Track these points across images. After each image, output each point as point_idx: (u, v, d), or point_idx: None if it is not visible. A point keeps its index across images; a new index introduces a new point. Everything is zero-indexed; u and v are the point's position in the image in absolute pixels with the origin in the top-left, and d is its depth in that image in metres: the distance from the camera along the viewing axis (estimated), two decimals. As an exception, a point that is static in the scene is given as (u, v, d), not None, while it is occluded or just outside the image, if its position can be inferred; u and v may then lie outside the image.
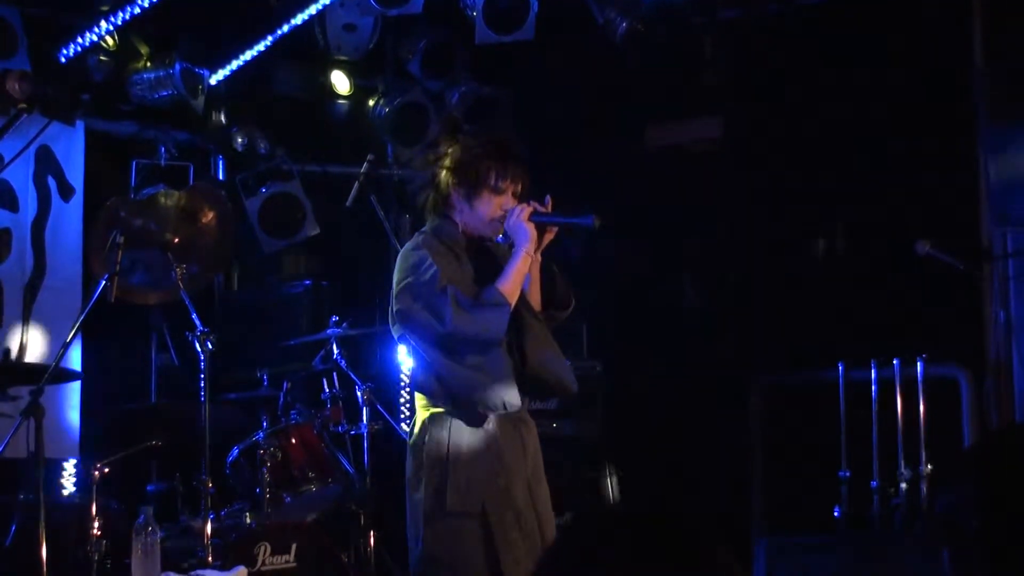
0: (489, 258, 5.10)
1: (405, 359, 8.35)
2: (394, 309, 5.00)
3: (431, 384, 4.97)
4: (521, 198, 5.02)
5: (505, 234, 5.03)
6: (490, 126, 5.26)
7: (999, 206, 7.70)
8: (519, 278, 4.93)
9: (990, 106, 7.58)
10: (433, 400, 5.01)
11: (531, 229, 4.93)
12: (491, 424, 4.96)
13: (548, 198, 5.02)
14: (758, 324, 8.62)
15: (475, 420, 4.94)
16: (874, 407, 7.75)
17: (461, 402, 4.95)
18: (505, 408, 4.92)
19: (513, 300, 4.89)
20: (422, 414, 5.05)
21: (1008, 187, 7.65)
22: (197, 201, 6.83)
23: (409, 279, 4.93)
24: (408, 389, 8.35)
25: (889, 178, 8.30)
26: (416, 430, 5.05)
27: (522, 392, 5.04)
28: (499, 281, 4.89)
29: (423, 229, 5.14)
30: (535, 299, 5.12)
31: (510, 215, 4.95)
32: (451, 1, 8.26)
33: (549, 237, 5.04)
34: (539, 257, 5.04)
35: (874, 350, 7.82)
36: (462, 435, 4.93)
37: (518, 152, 5.03)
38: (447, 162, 5.02)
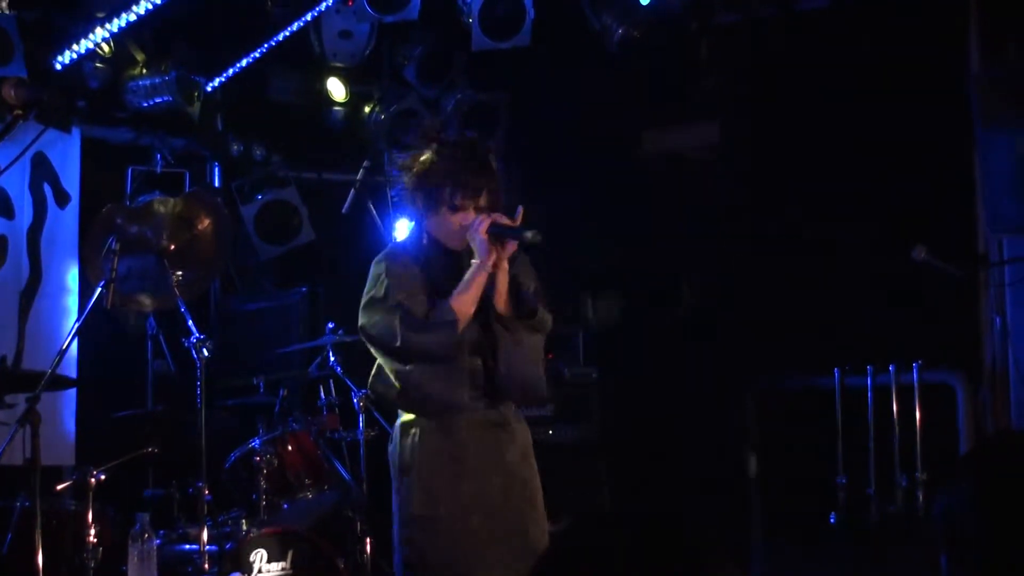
0: (455, 265, 5.09)
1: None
2: (359, 324, 5.09)
3: (391, 392, 5.07)
4: (496, 207, 5.02)
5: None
6: (461, 134, 5.22)
7: (995, 212, 7.70)
8: (473, 292, 4.96)
9: (986, 112, 7.58)
10: (397, 407, 5.13)
11: (487, 242, 4.93)
12: (460, 429, 5.01)
13: (520, 209, 5.02)
14: (755, 329, 8.61)
15: (442, 426, 5.01)
16: (870, 413, 7.75)
17: (416, 404, 5.03)
18: (450, 408, 4.97)
19: (464, 314, 4.93)
20: (398, 420, 5.15)
21: (1004, 193, 7.64)
22: (193, 208, 6.82)
23: (370, 294, 5.04)
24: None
25: (885, 184, 8.30)
26: (392, 438, 5.18)
27: (497, 398, 5.10)
28: (452, 296, 4.95)
29: (394, 240, 5.21)
30: (503, 307, 5.08)
31: (470, 227, 4.96)
32: (447, 7, 8.26)
33: (511, 248, 5.02)
34: (506, 266, 5.02)
35: (870, 356, 7.83)
36: (428, 441, 5.01)
37: (482, 164, 5.03)
38: (411, 174, 5.05)
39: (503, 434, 5.10)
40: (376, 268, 5.05)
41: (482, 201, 4.99)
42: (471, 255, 5.04)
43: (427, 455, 4.99)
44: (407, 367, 4.97)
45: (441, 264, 5.07)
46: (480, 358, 5.05)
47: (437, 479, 4.96)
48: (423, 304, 4.95)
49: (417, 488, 4.97)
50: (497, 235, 4.95)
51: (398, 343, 4.90)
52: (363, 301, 5.06)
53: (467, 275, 4.96)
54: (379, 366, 5.11)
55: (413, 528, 4.98)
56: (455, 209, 4.97)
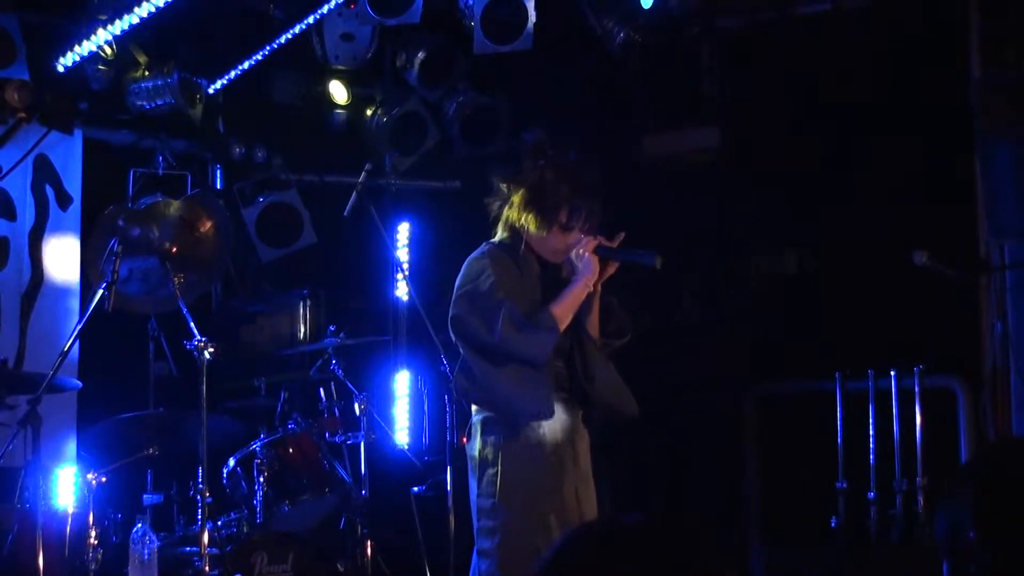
0: (553, 276, 5.20)
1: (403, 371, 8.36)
2: (451, 314, 5.17)
3: (475, 391, 5.17)
4: (592, 228, 5.14)
5: (569, 262, 5.17)
6: (573, 154, 5.32)
7: (996, 217, 7.69)
8: (574, 306, 5.11)
9: (987, 117, 7.57)
10: (477, 405, 5.23)
11: (594, 262, 5.07)
12: (543, 429, 5.13)
13: (621, 235, 5.13)
14: (755, 334, 8.61)
15: (524, 425, 5.11)
16: (871, 418, 7.75)
17: (500, 409, 5.14)
18: (539, 418, 5.09)
19: (563, 326, 5.08)
20: (477, 415, 5.24)
21: (1005, 198, 7.64)
22: (195, 210, 6.84)
23: (468, 287, 5.12)
24: (404, 399, 8.37)
25: (887, 188, 8.30)
26: (471, 432, 5.26)
27: (576, 403, 5.27)
28: (553, 305, 5.05)
29: (492, 239, 5.23)
30: (593, 327, 5.28)
31: (577, 244, 5.13)
32: (449, 11, 8.26)
33: (611, 270, 5.24)
34: (599, 288, 5.15)
35: (871, 361, 7.83)
36: (514, 438, 5.12)
37: (596, 189, 5.14)
38: (525, 186, 5.11)
39: (577, 436, 5.26)
40: (478, 264, 5.12)
41: (587, 226, 5.14)
42: (566, 270, 5.17)
43: (511, 451, 5.09)
44: (497, 368, 5.03)
45: (537, 275, 5.16)
46: (564, 363, 5.20)
47: (523, 475, 5.07)
48: (525, 307, 5.04)
49: (502, 483, 5.06)
50: (609, 257, 5.07)
51: (496, 339, 4.98)
52: (460, 292, 5.13)
53: (568, 289, 5.11)
54: (464, 363, 5.18)
55: (497, 521, 5.08)
56: (567, 229, 5.06)
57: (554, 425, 5.15)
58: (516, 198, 5.17)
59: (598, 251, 5.11)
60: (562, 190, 5.09)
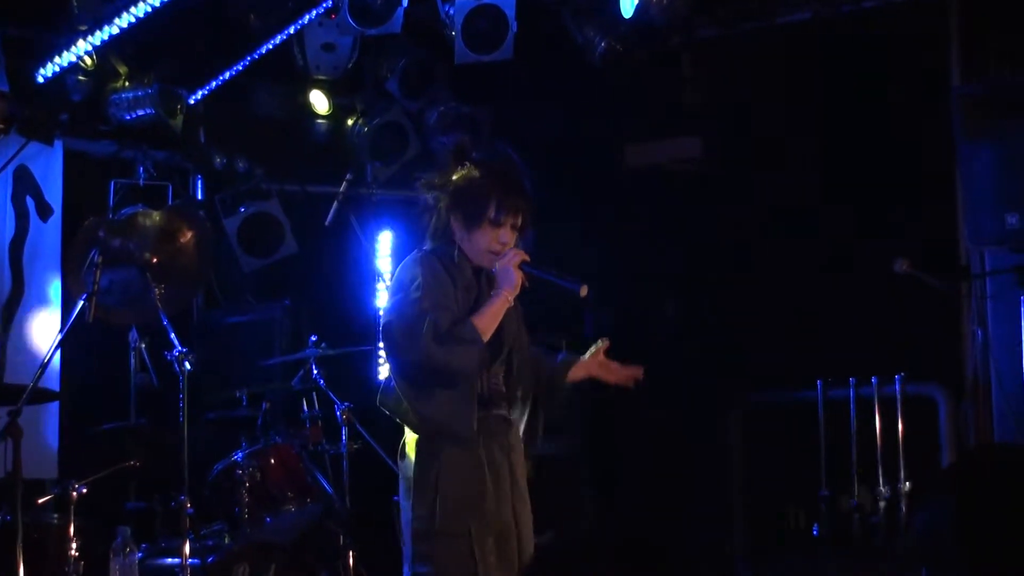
0: (477, 282, 5.13)
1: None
2: (381, 322, 5.10)
3: (402, 408, 5.04)
4: (527, 223, 5.09)
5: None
6: (496, 153, 5.27)
7: (976, 224, 7.72)
8: (495, 317, 5.01)
9: (967, 125, 7.61)
10: (403, 423, 5.10)
11: (517, 276, 5.00)
12: (480, 446, 5.01)
13: (606, 343, 5.28)
14: (738, 343, 8.62)
15: (464, 443, 4.99)
16: (853, 426, 7.77)
17: (421, 429, 5.02)
18: (458, 437, 4.98)
19: (486, 337, 4.96)
20: (411, 434, 5.10)
21: (985, 206, 7.67)
22: (176, 221, 6.82)
23: (399, 296, 5.02)
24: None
25: (867, 196, 8.32)
26: (406, 449, 5.12)
27: (512, 411, 5.18)
28: (474, 317, 4.97)
29: (424, 247, 5.18)
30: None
31: (501, 257, 5.03)
32: (430, 21, 8.26)
33: (524, 284, 5.10)
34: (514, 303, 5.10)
35: (852, 369, 7.84)
36: (452, 456, 4.98)
37: (521, 184, 5.10)
38: (450, 189, 5.07)
39: (513, 454, 5.16)
40: (410, 271, 5.04)
41: (519, 219, 5.06)
42: (490, 274, 5.11)
43: (451, 472, 4.97)
44: (417, 386, 4.97)
45: (466, 280, 5.10)
46: (503, 379, 5.14)
47: (462, 497, 4.96)
48: (450, 318, 4.94)
49: (441, 505, 4.94)
50: (534, 275, 5.03)
51: (418, 354, 4.89)
52: (391, 302, 5.06)
53: (490, 301, 5.01)
54: (390, 380, 5.09)
55: (434, 544, 4.96)
56: (496, 225, 5.01)
57: (492, 438, 5.06)
58: (443, 202, 5.13)
59: (523, 267, 5.03)
60: (488, 186, 5.03)
